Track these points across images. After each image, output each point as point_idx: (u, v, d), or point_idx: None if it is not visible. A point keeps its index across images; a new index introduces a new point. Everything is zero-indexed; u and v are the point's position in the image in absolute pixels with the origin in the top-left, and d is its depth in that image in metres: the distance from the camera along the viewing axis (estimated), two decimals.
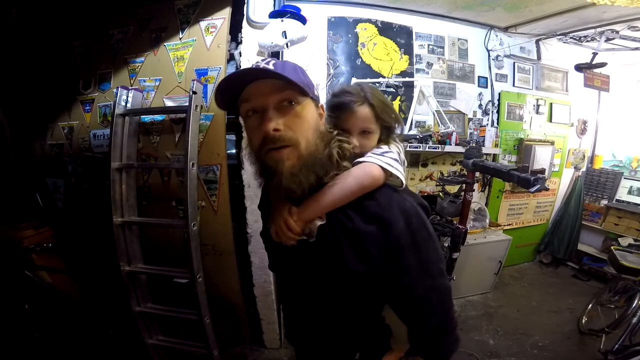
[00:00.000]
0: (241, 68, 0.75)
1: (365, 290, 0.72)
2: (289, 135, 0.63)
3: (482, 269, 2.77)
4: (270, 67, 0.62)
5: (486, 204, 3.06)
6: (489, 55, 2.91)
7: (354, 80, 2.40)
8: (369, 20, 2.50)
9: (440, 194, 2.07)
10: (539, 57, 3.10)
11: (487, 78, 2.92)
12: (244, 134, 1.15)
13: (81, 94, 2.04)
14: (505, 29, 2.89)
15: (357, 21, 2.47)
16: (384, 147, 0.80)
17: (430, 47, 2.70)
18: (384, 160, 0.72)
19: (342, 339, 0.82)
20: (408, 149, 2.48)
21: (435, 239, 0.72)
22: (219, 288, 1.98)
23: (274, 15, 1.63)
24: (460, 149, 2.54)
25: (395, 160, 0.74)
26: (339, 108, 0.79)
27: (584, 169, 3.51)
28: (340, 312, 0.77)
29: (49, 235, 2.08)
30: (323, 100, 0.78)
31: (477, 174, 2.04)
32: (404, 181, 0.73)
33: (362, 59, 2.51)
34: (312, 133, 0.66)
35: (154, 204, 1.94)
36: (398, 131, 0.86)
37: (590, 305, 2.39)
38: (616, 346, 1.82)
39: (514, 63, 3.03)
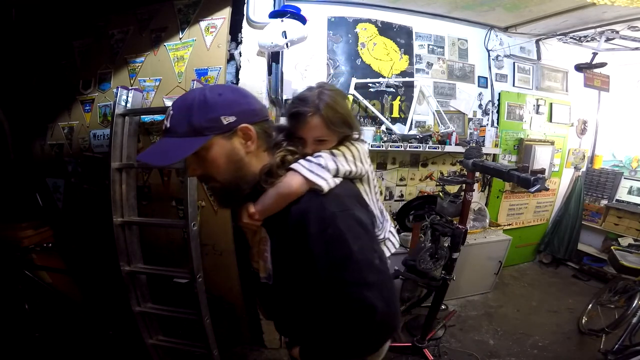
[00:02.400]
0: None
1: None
2: (207, 175, 0.74)
3: (482, 269, 2.77)
4: (168, 123, 0.69)
5: (486, 204, 3.06)
6: (489, 55, 2.91)
7: (353, 80, 2.40)
8: (369, 20, 2.50)
9: (440, 194, 2.07)
10: (539, 57, 3.10)
11: (487, 78, 2.93)
12: None
13: (81, 94, 2.04)
14: (505, 29, 2.89)
15: (357, 21, 2.47)
16: (321, 152, 0.80)
17: (430, 47, 2.70)
18: (307, 167, 0.73)
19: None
20: (408, 149, 2.48)
21: (359, 259, 0.66)
22: (218, 288, 1.97)
23: (274, 15, 1.63)
24: (460, 149, 2.54)
25: (320, 165, 0.74)
26: (294, 117, 0.82)
27: (584, 169, 3.51)
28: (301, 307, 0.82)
29: (49, 235, 2.08)
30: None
31: (477, 174, 2.04)
32: (324, 187, 0.72)
33: (362, 59, 2.51)
34: (224, 168, 0.72)
35: (154, 204, 1.94)
36: (355, 136, 0.88)
37: (590, 305, 2.39)
38: (616, 346, 1.82)
39: (514, 63, 3.03)
